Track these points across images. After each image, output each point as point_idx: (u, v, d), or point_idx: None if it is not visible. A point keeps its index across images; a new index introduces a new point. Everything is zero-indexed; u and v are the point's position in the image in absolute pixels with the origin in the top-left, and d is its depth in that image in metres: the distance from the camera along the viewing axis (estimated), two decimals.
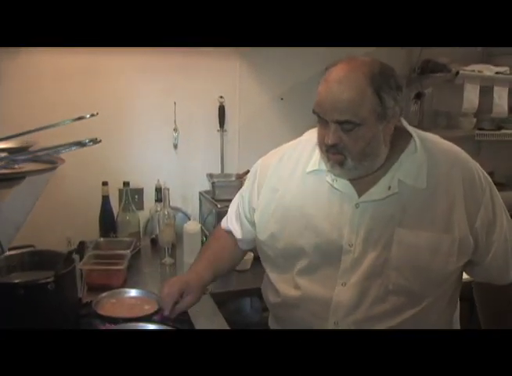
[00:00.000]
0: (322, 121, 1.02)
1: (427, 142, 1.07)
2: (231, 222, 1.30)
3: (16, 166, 0.89)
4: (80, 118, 0.77)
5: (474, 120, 2.63)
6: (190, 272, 1.23)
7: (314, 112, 1.03)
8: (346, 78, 0.97)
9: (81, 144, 0.72)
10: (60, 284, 1.25)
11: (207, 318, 1.47)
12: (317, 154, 1.10)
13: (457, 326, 1.19)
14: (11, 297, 1.19)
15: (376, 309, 1.05)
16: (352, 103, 0.96)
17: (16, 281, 1.22)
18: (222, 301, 1.83)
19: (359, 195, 1.07)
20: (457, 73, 2.37)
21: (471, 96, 2.42)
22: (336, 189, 1.09)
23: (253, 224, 1.21)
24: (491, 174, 2.85)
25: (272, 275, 1.20)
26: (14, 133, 0.94)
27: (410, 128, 1.09)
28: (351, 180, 1.07)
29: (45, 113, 1.96)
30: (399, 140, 1.06)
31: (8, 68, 2.01)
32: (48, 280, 1.23)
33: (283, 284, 1.16)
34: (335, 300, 1.07)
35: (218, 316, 1.51)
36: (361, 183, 1.07)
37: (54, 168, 0.91)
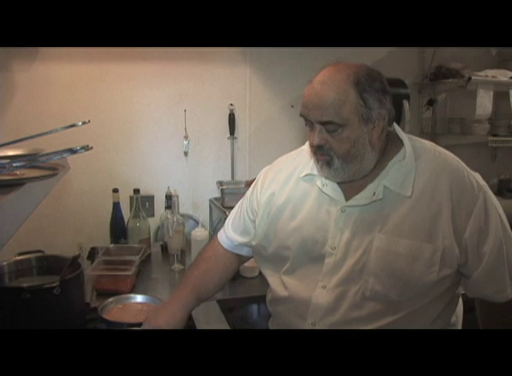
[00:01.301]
0: (309, 123, 1.04)
1: (418, 149, 1.07)
2: (228, 230, 1.31)
3: (18, 172, 0.91)
4: (72, 126, 0.78)
5: (488, 126, 2.60)
6: (175, 304, 1.23)
7: (301, 115, 1.04)
8: (330, 79, 0.98)
9: (72, 151, 0.73)
10: (66, 289, 1.27)
11: (212, 325, 1.47)
12: (312, 162, 1.12)
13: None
14: (18, 301, 1.21)
15: (353, 313, 1.05)
16: (334, 103, 0.97)
17: (23, 285, 1.24)
18: (229, 307, 1.83)
19: (347, 200, 1.07)
20: (469, 78, 2.35)
21: (484, 102, 2.39)
22: (325, 193, 1.10)
23: (253, 223, 1.23)
24: (507, 181, 2.77)
25: (266, 273, 1.23)
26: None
27: (403, 135, 1.09)
28: (340, 185, 1.09)
29: (57, 122, 1.99)
30: (391, 147, 1.07)
31: (21, 78, 2.06)
32: (54, 284, 1.25)
33: (274, 282, 1.19)
34: (314, 302, 1.08)
35: (223, 323, 1.51)
36: (349, 189, 1.08)
37: (54, 175, 0.92)
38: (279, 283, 1.17)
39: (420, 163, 1.05)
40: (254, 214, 1.23)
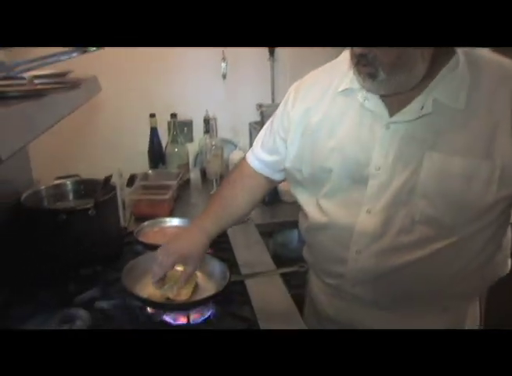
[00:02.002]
0: None
1: (473, 56, 0.93)
2: (256, 149, 1.23)
3: (38, 85, 0.88)
4: (85, 51, 0.71)
5: None
6: (194, 231, 1.17)
7: None
8: None
9: (82, 50, 0.67)
10: (101, 211, 1.27)
11: (248, 247, 1.45)
12: (351, 74, 1.00)
13: (503, 269, 1.09)
14: (54, 223, 1.22)
15: (402, 239, 0.97)
16: None
17: (59, 208, 1.24)
18: (268, 232, 1.81)
19: (391, 115, 0.96)
20: None
21: None
22: (367, 108, 0.99)
23: (284, 142, 1.15)
24: None
25: (301, 199, 1.15)
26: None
27: None
28: (384, 99, 0.97)
29: None
30: (441, 56, 0.93)
31: None
32: (88, 205, 1.24)
33: (310, 208, 1.12)
34: (358, 227, 1.00)
35: (260, 245, 1.49)
36: (393, 103, 0.96)
37: (76, 87, 0.88)
38: (316, 210, 1.10)
39: (476, 72, 0.92)
40: (285, 132, 1.15)
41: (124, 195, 1.73)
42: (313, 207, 1.11)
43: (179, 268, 1.10)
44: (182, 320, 1.08)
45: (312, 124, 1.07)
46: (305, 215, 1.14)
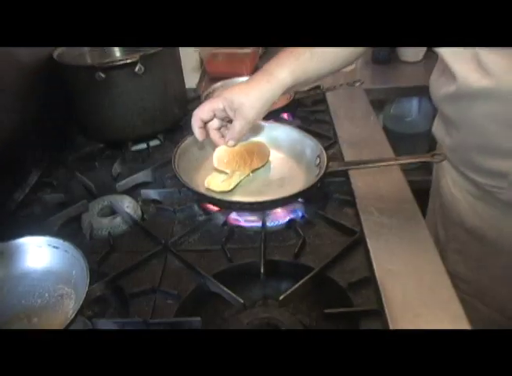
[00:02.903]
0: None
1: None
2: None
3: None
4: None
5: None
6: (262, 75, 0.74)
7: None
8: None
9: None
10: (153, 67, 0.94)
11: (354, 121, 1.07)
12: None
13: None
14: (91, 84, 0.91)
15: None
16: None
17: (94, 64, 0.92)
18: (379, 100, 1.42)
19: None
20: None
21: None
22: None
23: None
24: None
25: (447, 51, 0.71)
26: None
27: None
28: None
29: None
30: None
31: None
32: (134, 60, 0.91)
33: (462, 65, 0.69)
34: None
35: (371, 119, 1.10)
36: None
37: None
38: (473, 67, 0.68)
39: None
40: None
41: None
42: (468, 63, 0.68)
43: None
44: (255, 222, 0.77)
45: None
46: (451, 76, 0.71)
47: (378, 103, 1.41)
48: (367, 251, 0.69)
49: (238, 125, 0.73)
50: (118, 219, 0.78)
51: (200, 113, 0.74)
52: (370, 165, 0.79)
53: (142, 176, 0.89)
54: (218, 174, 0.81)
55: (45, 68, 0.96)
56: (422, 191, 0.89)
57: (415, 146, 1.50)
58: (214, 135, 0.76)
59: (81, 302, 0.56)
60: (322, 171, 0.76)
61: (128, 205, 0.81)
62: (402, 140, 1.45)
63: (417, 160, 0.78)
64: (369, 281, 0.64)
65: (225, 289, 0.63)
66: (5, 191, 0.83)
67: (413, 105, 1.52)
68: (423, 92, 1.42)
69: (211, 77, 1.35)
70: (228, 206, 0.77)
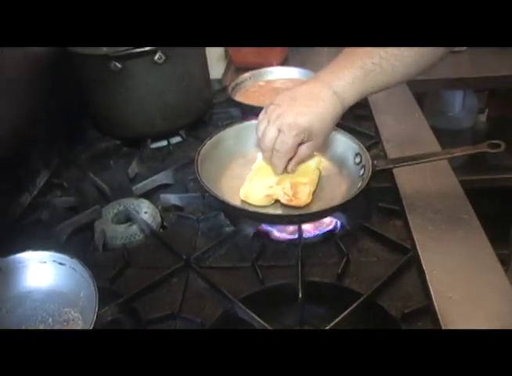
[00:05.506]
0: None
1: None
2: None
3: None
4: None
5: None
6: (319, 88, 0.64)
7: None
8: None
9: None
10: (174, 56, 0.84)
11: (397, 116, 0.96)
12: None
13: None
14: (106, 74, 0.82)
15: None
16: None
17: (108, 53, 0.83)
18: (419, 93, 1.29)
19: None
20: None
21: None
22: None
23: None
24: None
25: None
26: None
27: None
28: None
29: None
30: None
31: None
32: (154, 48, 0.82)
33: None
34: None
35: (415, 112, 0.99)
36: None
37: None
38: None
39: None
40: None
41: None
42: None
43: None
44: (291, 234, 0.67)
45: None
46: None
47: (416, 96, 1.29)
48: (422, 273, 0.59)
49: (306, 150, 0.66)
50: (134, 227, 0.70)
51: (289, 153, 0.65)
52: (422, 160, 0.69)
53: (161, 178, 0.80)
54: (254, 184, 0.70)
55: (56, 56, 0.87)
56: (473, 191, 0.77)
57: (457, 143, 1.37)
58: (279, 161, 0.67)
59: None
60: (369, 172, 0.65)
61: (146, 211, 0.72)
62: (442, 137, 1.33)
63: (473, 151, 0.70)
64: (426, 312, 0.54)
65: (255, 317, 0.53)
66: (9, 194, 0.74)
67: (456, 98, 1.39)
68: (468, 84, 1.30)
69: (238, 67, 1.25)
70: (270, 220, 0.67)
